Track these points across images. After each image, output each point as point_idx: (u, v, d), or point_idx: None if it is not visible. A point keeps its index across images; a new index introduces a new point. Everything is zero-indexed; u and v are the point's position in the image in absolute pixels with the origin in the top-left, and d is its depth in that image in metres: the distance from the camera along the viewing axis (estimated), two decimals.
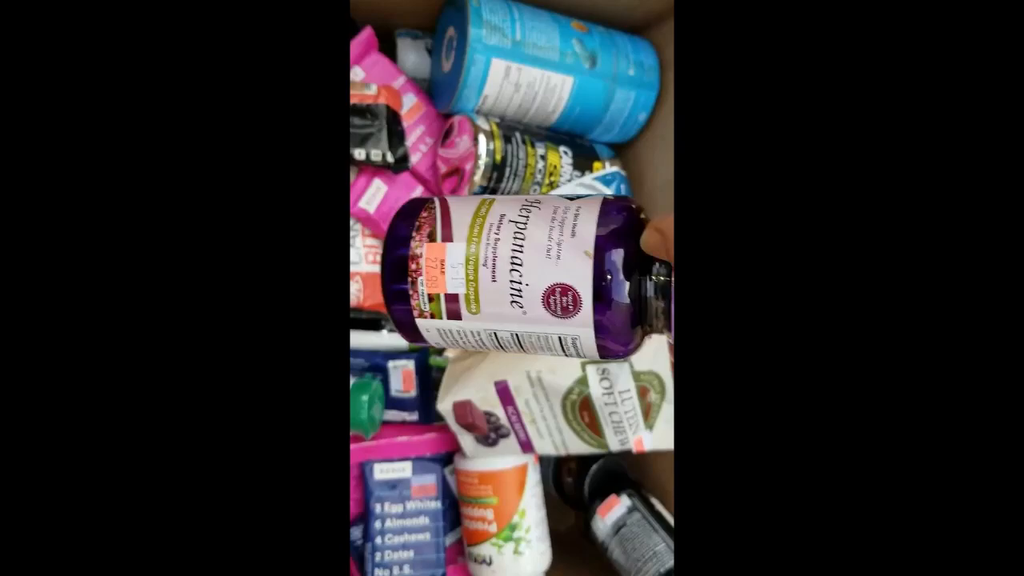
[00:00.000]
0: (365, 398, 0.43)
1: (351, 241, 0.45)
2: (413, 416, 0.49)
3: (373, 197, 0.45)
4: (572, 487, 0.50)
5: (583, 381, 0.38)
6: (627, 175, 0.52)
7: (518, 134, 0.47)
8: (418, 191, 0.49)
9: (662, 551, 0.40)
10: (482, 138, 0.44)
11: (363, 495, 0.46)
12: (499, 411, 0.41)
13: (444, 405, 0.42)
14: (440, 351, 0.49)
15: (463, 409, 0.42)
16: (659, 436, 0.40)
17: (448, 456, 0.49)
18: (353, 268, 0.45)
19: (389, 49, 0.51)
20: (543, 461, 0.53)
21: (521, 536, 0.44)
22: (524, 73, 0.45)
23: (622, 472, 0.49)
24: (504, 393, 0.40)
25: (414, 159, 0.48)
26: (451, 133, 0.47)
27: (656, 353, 0.37)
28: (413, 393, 0.48)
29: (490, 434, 0.43)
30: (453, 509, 0.48)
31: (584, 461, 0.50)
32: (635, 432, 0.40)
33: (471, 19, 0.43)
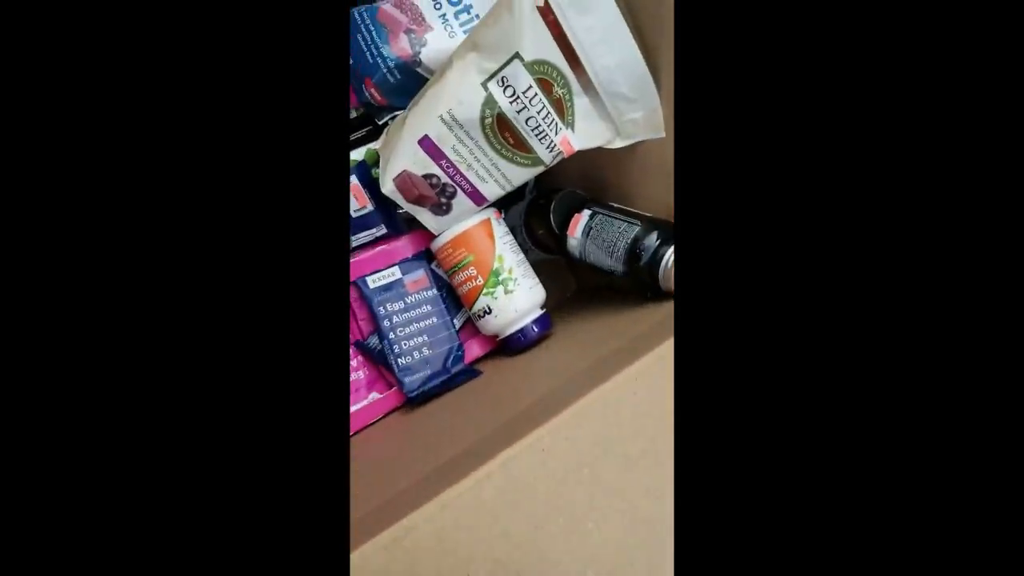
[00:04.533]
0: None
1: None
2: (383, 231, 0.52)
3: None
4: (546, 236, 0.53)
5: (490, 101, 0.40)
6: None
7: None
8: None
9: (625, 228, 0.43)
10: None
11: (367, 308, 0.50)
12: (435, 169, 0.44)
13: (387, 187, 0.45)
14: (377, 162, 0.51)
15: (405, 183, 0.44)
16: (582, 133, 0.43)
17: (429, 253, 0.52)
18: None
19: None
20: (516, 232, 0.56)
21: (506, 278, 0.47)
22: None
23: (580, 196, 0.52)
24: (431, 148, 0.43)
25: None
26: None
27: (539, 39, 0.38)
28: (370, 207, 0.51)
29: (441, 200, 0.46)
30: (451, 296, 0.52)
31: (545, 209, 0.53)
32: (557, 133, 0.42)
33: None
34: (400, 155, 0.43)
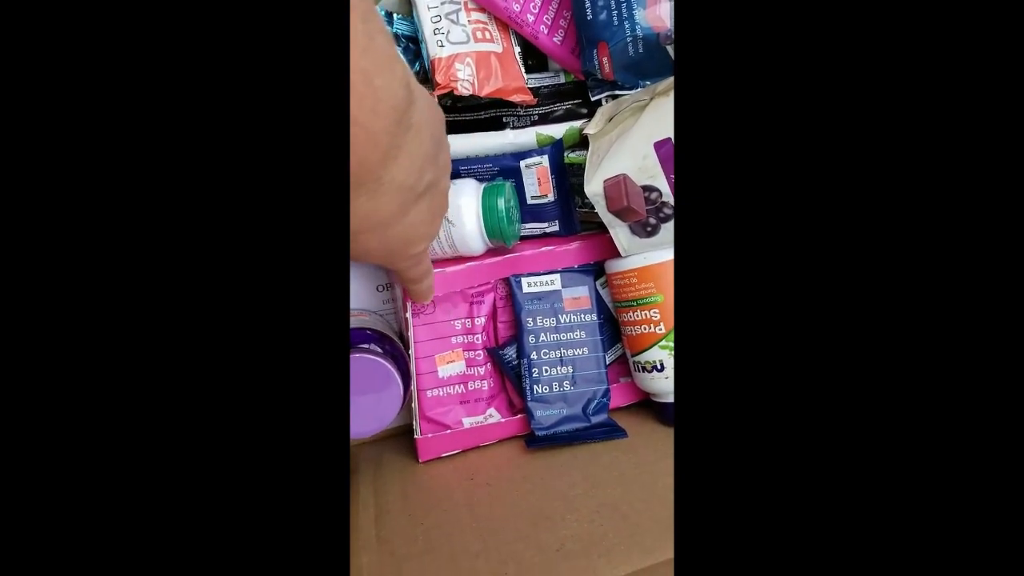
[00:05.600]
0: (501, 202, 0.38)
1: (455, 17, 0.38)
2: (554, 227, 0.43)
3: None
4: None
5: None
6: None
7: None
8: None
9: None
10: None
11: (513, 311, 0.42)
12: (662, 182, 0.34)
13: (593, 187, 0.35)
14: (575, 145, 0.42)
15: (616, 189, 0.35)
16: None
17: (597, 268, 0.43)
18: (461, 49, 0.38)
19: None
20: None
21: None
22: None
23: None
24: (668, 156, 0.33)
25: None
26: None
27: None
28: (551, 197, 0.42)
29: (649, 219, 0.36)
30: (609, 325, 0.43)
31: None
32: None
33: None
34: (623, 155, 0.34)
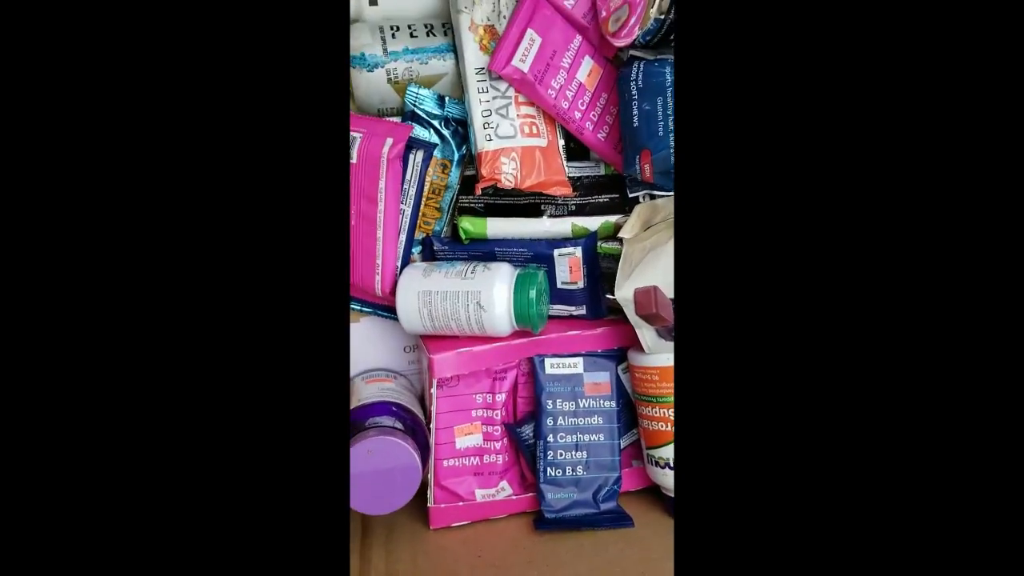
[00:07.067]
0: (533, 293, 0.39)
1: (504, 112, 0.39)
2: (581, 311, 0.44)
3: (528, 52, 0.38)
4: None
5: None
6: None
7: None
8: (577, 41, 0.41)
9: None
10: None
11: (534, 390, 0.43)
12: None
13: (624, 292, 0.36)
14: (609, 236, 0.43)
15: (646, 297, 0.35)
16: None
17: (621, 353, 0.44)
18: (508, 143, 0.39)
19: None
20: None
21: None
22: None
23: None
24: None
25: (570, 1, 0.40)
26: None
27: None
28: (581, 284, 0.43)
29: (675, 327, 0.37)
30: (627, 410, 0.44)
31: None
32: None
33: None
34: (656, 269, 0.35)
